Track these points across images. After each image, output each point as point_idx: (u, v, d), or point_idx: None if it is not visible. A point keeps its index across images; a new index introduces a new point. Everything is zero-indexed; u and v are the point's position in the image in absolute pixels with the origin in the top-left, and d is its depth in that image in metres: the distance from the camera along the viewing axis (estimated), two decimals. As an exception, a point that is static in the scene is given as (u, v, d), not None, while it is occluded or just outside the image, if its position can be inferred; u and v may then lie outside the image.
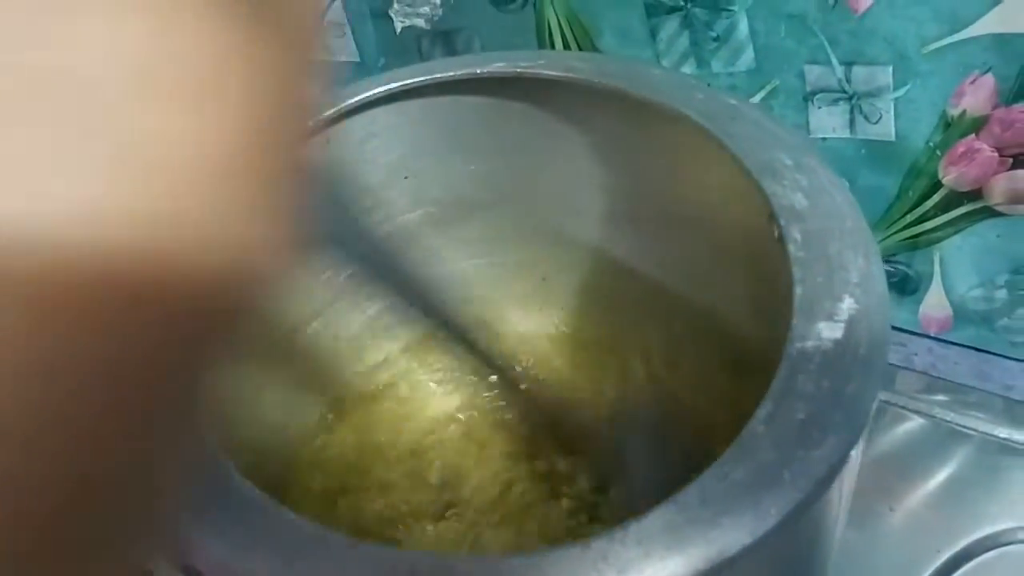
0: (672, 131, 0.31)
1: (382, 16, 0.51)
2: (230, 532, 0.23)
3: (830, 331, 0.24)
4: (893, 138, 0.42)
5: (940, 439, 0.45)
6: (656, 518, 0.22)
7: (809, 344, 0.24)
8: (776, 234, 0.28)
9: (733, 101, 0.30)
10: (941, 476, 0.44)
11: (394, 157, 0.36)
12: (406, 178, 0.37)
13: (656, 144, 0.33)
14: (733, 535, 0.21)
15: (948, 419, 0.46)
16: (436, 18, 0.50)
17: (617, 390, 0.40)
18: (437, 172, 0.37)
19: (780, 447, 0.23)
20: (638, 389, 0.39)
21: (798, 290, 0.25)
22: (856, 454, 0.24)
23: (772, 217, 0.27)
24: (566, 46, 0.47)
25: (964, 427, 0.45)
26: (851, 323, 0.24)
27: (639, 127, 0.33)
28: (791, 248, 0.26)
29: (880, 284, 0.25)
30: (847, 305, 0.25)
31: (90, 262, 0.10)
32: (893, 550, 0.41)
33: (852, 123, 0.43)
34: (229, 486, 0.24)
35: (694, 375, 0.38)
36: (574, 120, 0.35)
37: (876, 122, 0.42)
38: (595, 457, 0.38)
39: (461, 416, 0.40)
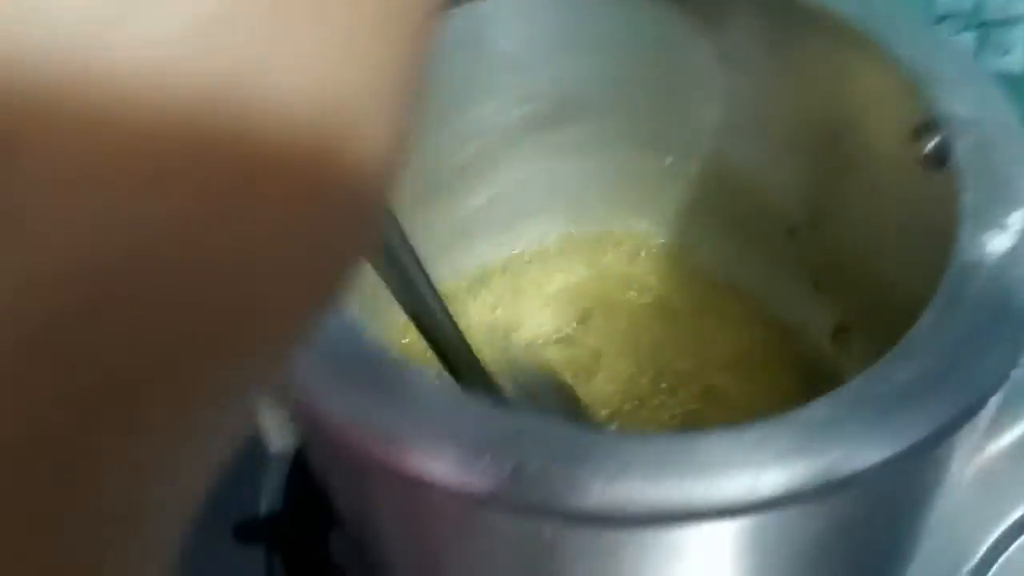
0: (816, 33, 0.30)
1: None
2: (357, 389, 0.22)
3: (998, 243, 0.23)
4: (1022, 72, 0.41)
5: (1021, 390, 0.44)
6: (816, 410, 0.21)
7: (976, 255, 0.23)
8: (932, 146, 0.27)
9: (889, 9, 0.29)
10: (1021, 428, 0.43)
11: (509, 48, 0.35)
12: (517, 70, 0.35)
13: (795, 48, 0.31)
14: (893, 436, 0.20)
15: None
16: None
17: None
18: (553, 67, 0.35)
19: (944, 354, 0.22)
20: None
21: (964, 200, 0.24)
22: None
23: (931, 128, 0.26)
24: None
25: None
26: (1021, 235, 0.23)
27: (778, 28, 0.31)
28: (956, 157, 0.25)
29: (1049, 200, 0.24)
30: (1017, 217, 0.23)
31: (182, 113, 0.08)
32: (972, 499, 0.41)
33: (980, 53, 0.41)
34: (357, 342, 0.23)
35: (815, 297, 0.37)
36: (702, 18, 0.33)
37: (1005, 53, 0.40)
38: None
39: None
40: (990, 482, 0.42)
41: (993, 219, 0.24)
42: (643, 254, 0.41)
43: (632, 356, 0.38)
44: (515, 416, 0.21)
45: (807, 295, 0.37)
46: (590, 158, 0.39)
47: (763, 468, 0.20)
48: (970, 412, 0.21)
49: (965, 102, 0.26)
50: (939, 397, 0.21)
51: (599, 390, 0.37)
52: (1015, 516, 0.42)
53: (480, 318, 0.39)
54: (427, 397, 0.21)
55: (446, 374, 0.28)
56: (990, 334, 0.22)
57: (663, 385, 0.37)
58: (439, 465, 0.20)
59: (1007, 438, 0.44)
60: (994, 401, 0.23)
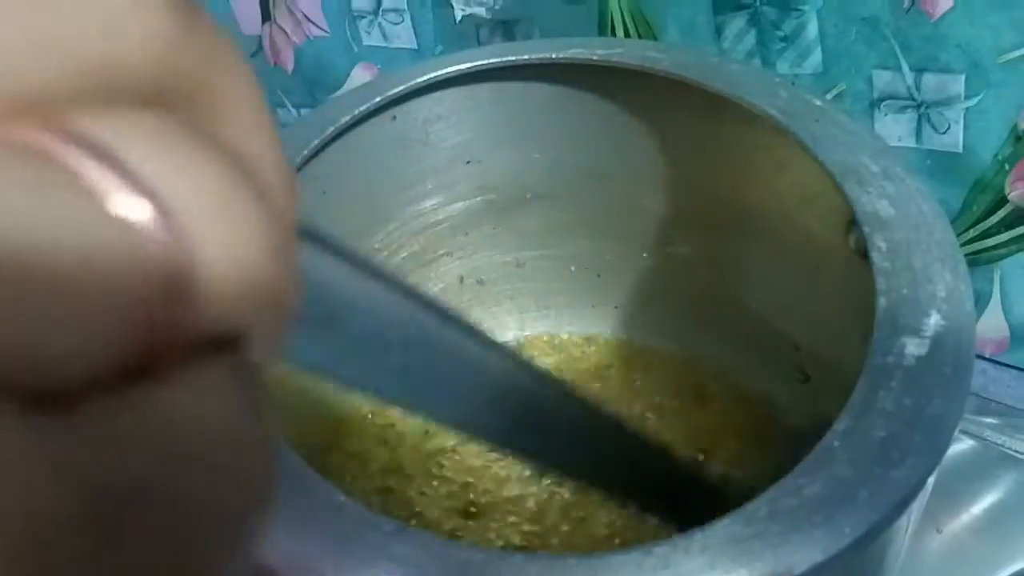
0: (751, 129, 0.30)
1: (442, 3, 0.50)
2: (277, 510, 0.22)
3: (914, 347, 0.23)
4: (960, 150, 0.41)
5: (989, 462, 0.44)
6: (722, 529, 0.21)
7: (891, 359, 0.23)
8: (856, 243, 0.27)
9: (817, 102, 0.29)
10: (989, 500, 0.43)
11: (458, 141, 0.35)
12: (468, 163, 0.36)
13: (732, 142, 0.32)
14: (803, 552, 0.20)
15: (998, 442, 0.45)
16: (497, 7, 0.49)
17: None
18: (500, 159, 0.36)
19: (856, 464, 0.22)
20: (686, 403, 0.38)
21: (881, 302, 0.24)
22: (932, 478, 0.23)
23: (855, 225, 0.26)
24: (627, 37, 0.46)
25: (1014, 451, 0.44)
26: (937, 340, 0.23)
27: (716, 124, 0.32)
28: (875, 257, 0.25)
29: (967, 301, 0.24)
30: (933, 321, 0.24)
31: None
32: (938, 572, 0.40)
33: (919, 132, 0.42)
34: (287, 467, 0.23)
35: (754, 390, 0.37)
36: (647, 113, 0.34)
37: (944, 132, 0.41)
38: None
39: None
40: (960, 553, 0.42)
41: (908, 324, 0.24)
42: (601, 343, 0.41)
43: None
44: (422, 542, 0.21)
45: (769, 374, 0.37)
46: (547, 248, 0.40)
47: (669, 591, 0.20)
48: (882, 525, 0.21)
49: (886, 200, 0.27)
50: (849, 512, 0.21)
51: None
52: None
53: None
54: (348, 525, 0.22)
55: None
56: (904, 442, 0.22)
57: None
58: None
59: (979, 507, 0.44)
60: (916, 506, 0.23)
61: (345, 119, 0.31)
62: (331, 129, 0.31)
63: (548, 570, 0.20)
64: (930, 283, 0.25)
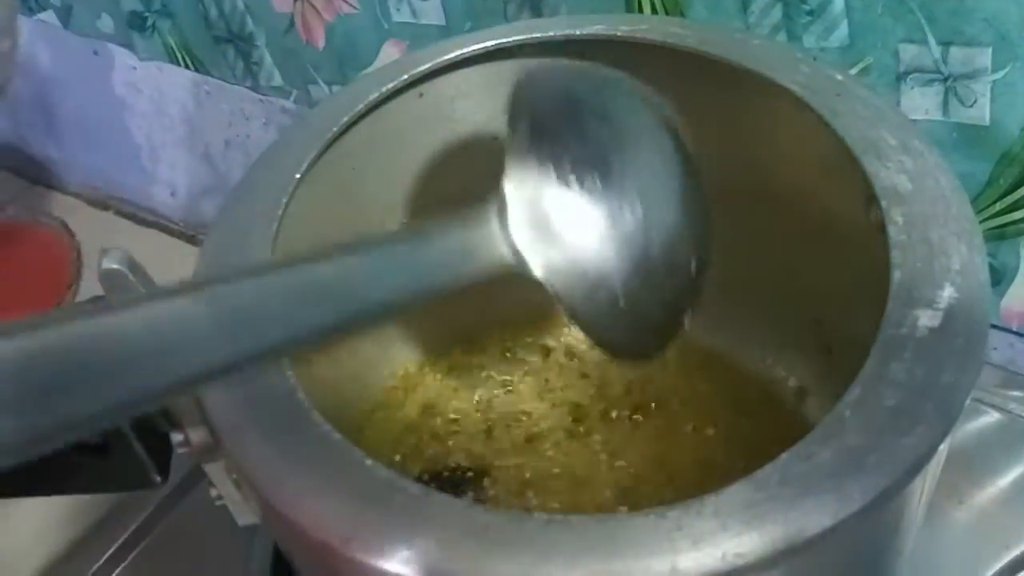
0: (773, 104, 0.31)
1: (471, -23, 0.50)
2: (306, 472, 0.23)
3: (927, 319, 0.24)
4: (987, 123, 0.41)
5: (1014, 436, 0.44)
6: (735, 493, 0.22)
7: (904, 330, 0.24)
8: (875, 216, 0.28)
9: (839, 76, 0.30)
10: (1014, 473, 0.43)
11: (484, 117, 0.36)
12: (494, 139, 0.37)
13: (755, 117, 0.32)
14: (813, 517, 0.21)
15: (1024, 415, 0.45)
16: (525, -20, 0.49)
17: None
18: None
19: (867, 432, 0.22)
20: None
21: (896, 275, 0.25)
22: (944, 447, 0.23)
23: (873, 198, 0.27)
24: (654, 14, 0.46)
25: (1040, 425, 0.45)
26: (950, 312, 0.24)
27: (739, 98, 0.32)
28: (891, 231, 0.26)
29: (982, 274, 0.25)
30: (947, 293, 0.24)
31: None
32: (960, 545, 0.41)
33: (946, 105, 0.41)
34: (308, 426, 0.24)
35: (777, 359, 0.37)
36: (670, 88, 0.34)
37: (971, 105, 0.41)
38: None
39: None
40: (983, 525, 0.42)
41: (922, 296, 0.24)
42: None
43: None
44: (445, 504, 0.22)
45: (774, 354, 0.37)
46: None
47: (680, 552, 0.20)
48: (892, 491, 0.22)
49: (904, 174, 0.27)
50: (858, 478, 0.21)
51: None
52: (1008, 558, 0.42)
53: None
54: (374, 487, 0.23)
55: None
56: (915, 411, 0.22)
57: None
58: (371, 555, 0.21)
59: (1004, 480, 0.44)
60: (930, 474, 0.24)
61: (374, 96, 0.32)
62: (360, 106, 0.32)
63: (565, 532, 0.21)
64: (945, 256, 0.25)
